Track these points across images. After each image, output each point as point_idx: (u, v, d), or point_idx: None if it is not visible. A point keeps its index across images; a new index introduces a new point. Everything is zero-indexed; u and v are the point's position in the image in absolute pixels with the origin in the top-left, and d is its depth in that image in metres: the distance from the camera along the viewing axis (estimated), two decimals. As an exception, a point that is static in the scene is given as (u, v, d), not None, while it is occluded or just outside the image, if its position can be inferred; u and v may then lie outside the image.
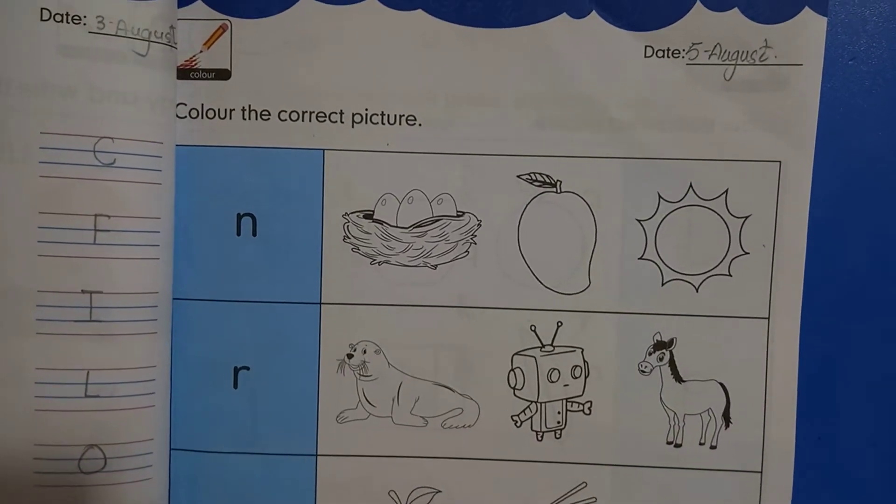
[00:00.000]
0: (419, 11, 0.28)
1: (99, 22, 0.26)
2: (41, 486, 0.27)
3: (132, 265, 0.27)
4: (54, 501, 0.27)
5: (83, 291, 0.27)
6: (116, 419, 0.27)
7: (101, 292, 0.27)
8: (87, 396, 0.27)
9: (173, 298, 0.28)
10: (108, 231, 0.27)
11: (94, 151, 0.26)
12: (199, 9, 0.28)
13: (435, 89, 0.28)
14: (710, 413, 0.29)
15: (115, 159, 0.26)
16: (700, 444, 0.29)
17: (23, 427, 0.27)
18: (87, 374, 0.27)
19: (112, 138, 0.26)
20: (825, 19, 0.27)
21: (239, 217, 0.29)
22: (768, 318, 0.28)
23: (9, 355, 0.26)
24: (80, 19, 0.26)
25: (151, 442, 0.28)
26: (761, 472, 0.29)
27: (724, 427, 0.29)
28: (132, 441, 0.27)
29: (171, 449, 0.29)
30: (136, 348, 0.27)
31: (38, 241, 0.26)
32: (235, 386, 0.29)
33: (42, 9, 0.26)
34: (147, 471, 0.28)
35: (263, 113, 0.28)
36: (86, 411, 0.27)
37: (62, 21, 0.26)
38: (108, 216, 0.26)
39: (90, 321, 0.27)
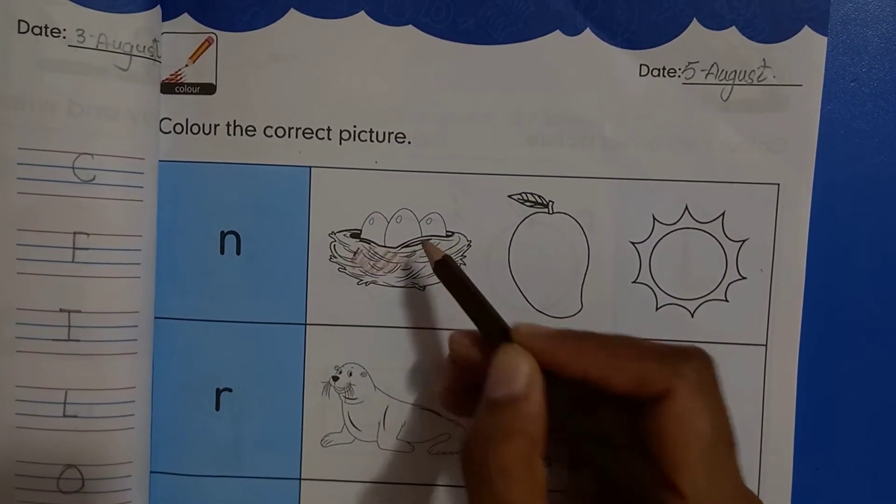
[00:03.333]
0: (410, 27, 0.27)
1: (79, 35, 0.25)
2: (23, 503, 0.26)
3: (112, 284, 0.26)
4: (32, 521, 0.26)
5: (61, 310, 0.26)
6: (94, 440, 0.26)
7: (79, 311, 0.26)
8: (65, 416, 0.26)
9: (155, 317, 0.28)
10: (88, 249, 0.26)
11: (74, 168, 0.26)
12: (185, 22, 0.27)
13: (425, 106, 0.27)
14: (705, 442, 0.28)
15: (94, 176, 0.26)
16: (694, 473, 0.28)
17: (4, 443, 0.26)
18: (66, 393, 0.26)
19: (92, 154, 0.26)
20: (825, 39, 0.26)
21: (223, 235, 0.28)
22: (766, 345, 0.28)
23: (-14, 373, 0.26)
24: (59, 32, 0.25)
25: (131, 465, 0.27)
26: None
27: (719, 456, 0.28)
28: (111, 463, 0.27)
29: (151, 472, 0.28)
30: (115, 369, 0.27)
31: (17, 259, 0.26)
32: (218, 408, 0.28)
33: (20, 21, 0.25)
34: (126, 494, 0.27)
35: (249, 129, 0.27)
36: (64, 431, 0.26)
37: (41, 34, 0.25)
38: (87, 234, 0.26)
39: (68, 340, 0.26)
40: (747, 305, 0.27)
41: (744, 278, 0.28)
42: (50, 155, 0.25)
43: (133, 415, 0.27)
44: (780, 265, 0.27)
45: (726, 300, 0.28)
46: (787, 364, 0.28)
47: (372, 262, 0.28)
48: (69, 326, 0.26)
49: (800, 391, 0.28)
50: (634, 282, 0.28)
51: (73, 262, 0.26)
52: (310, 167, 0.28)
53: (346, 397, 0.28)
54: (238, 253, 0.28)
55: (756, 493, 0.28)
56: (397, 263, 0.28)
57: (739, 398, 0.27)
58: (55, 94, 0.25)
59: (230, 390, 0.28)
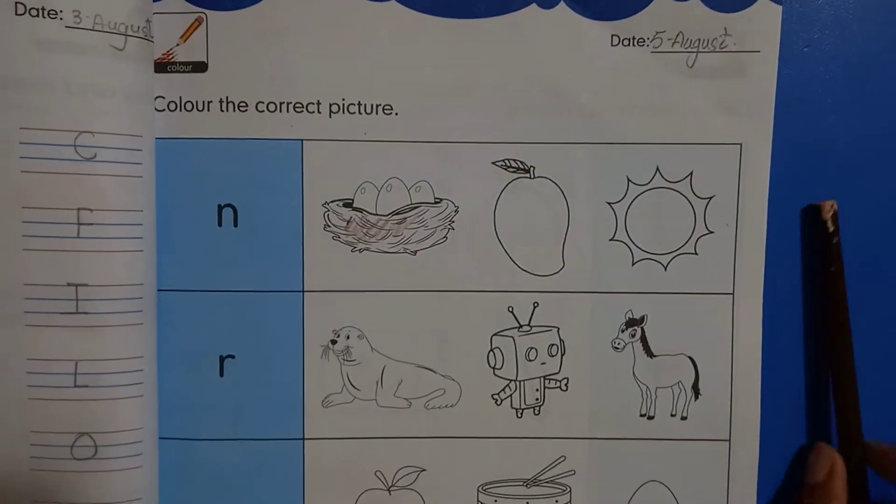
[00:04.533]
0: (393, 2, 0.29)
1: (75, 16, 0.26)
2: (37, 471, 0.27)
3: (116, 258, 0.27)
4: (50, 486, 0.27)
5: (69, 284, 0.27)
6: (105, 408, 0.28)
7: (86, 285, 0.27)
8: (76, 386, 0.27)
9: (158, 290, 0.29)
10: (92, 224, 0.27)
11: (75, 146, 0.26)
12: (175, 2, 0.28)
13: (411, 79, 0.29)
14: (681, 386, 0.30)
15: (95, 153, 0.27)
16: (672, 415, 0.30)
17: (18, 414, 0.27)
18: (76, 364, 0.27)
19: (92, 132, 0.26)
20: (780, 7, 0.28)
21: (220, 208, 0.29)
22: (733, 294, 0.30)
23: (2, 347, 0.27)
24: (56, 13, 0.26)
25: (140, 431, 0.28)
26: (729, 441, 0.30)
27: (693, 399, 0.30)
28: (121, 430, 0.28)
29: (159, 438, 0.29)
30: (122, 339, 0.28)
31: (23, 236, 0.27)
32: (221, 374, 0.30)
33: (17, 3, 0.26)
34: (137, 459, 0.28)
35: (241, 104, 0.28)
36: (75, 400, 0.27)
37: (38, 15, 0.26)
38: (91, 210, 0.27)
39: (76, 313, 0.27)
40: (715, 258, 0.30)
41: (711, 233, 0.30)
42: (51, 134, 0.26)
43: (141, 383, 0.28)
44: (744, 219, 0.29)
45: (696, 253, 0.30)
46: (753, 311, 0.30)
47: (364, 230, 0.29)
48: (77, 300, 0.27)
49: (765, 334, 0.30)
50: (612, 239, 0.30)
51: (77, 237, 0.27)
52: (301, 140, 0.29)
53: (344, 359, 0.30)
54: (235, 225, 0.29)
55: (728, 432, 0.30)
56: (389, 230, 0.29)
57: (710, 344, 0.30)
58: (54, 74, 0.26)
59: (233, 357, 0.30)
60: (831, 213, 0.29)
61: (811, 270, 0.30)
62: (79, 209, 0.27)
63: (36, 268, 0.27)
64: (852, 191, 0.30)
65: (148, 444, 0.28)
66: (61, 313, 0.27)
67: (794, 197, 0.30)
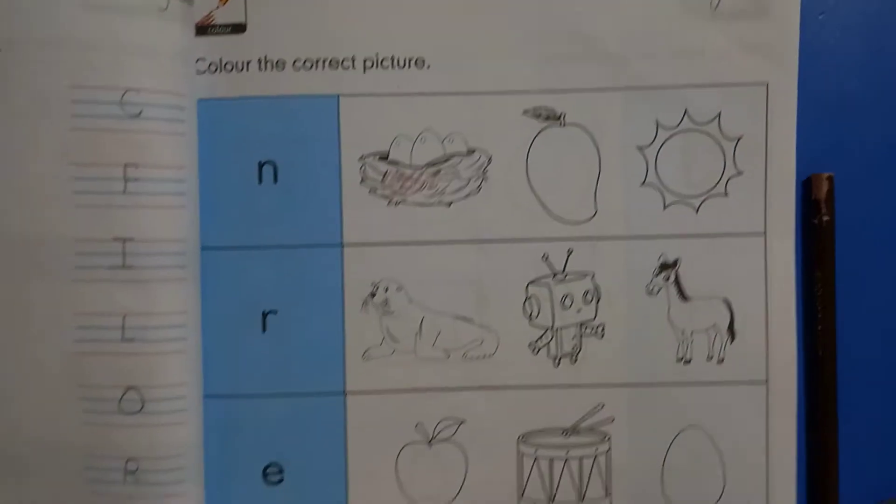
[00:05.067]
0: (422, -38, 0.30)
1: (121, -23, 0.27)
2: (88, 424, 0.28)
3: (161, 213, 0.28)
4: (99, 440, 0.28)
5: (116, 239, 0.28)
6: (151, 363, 0.28)
7: (132, 239, 0.28)
8: (123, 340, 0.28)
9: (201, 248, 0.30)
10: (137, 180, 0.28)
11: (122, 103, 0.27)
12: (213, -31, 0.29)
13: (442, 32, 0.29)
14: (716, 329, 0.31)
15: (141, 110, 0.27)
16: (708, 359, 0.30)
17: (68, 369, 0.28)
18: (123, 318, 0.28)
19: (138, 90, 0.27)
20: (800, -54, 0.29)
21: (260, 166, 0.30)
22: (765, 234, 0.30)
23: (51, 301, 0.28)
24: (103, -24, 0.27)
25: (185, 386, 0.29)
26: (767, 382, 0.30)
27: (729, 341, 0.30)
28: (167, 385, 0.28)
29: (204, 396, 0.30)
30: (167, 294, 0.28)
31: (74, 192, 0.27)
32: (264, 330, 0.30)
33: (67, -34, 0.27)
34: (182, 414, 0.29)
35: (279, 63, 0.29)
36: (123, 354, 0.28)
37: (86, -23, 0.27)
38: (137, 165, 0.28)
39: (123, 268, 0.28)
40: (745, 198, 0.30)
41: (741, 173, 0.30)
42: (99, 92, 0.27)
43: (186, 339, 0.29)
44: (773, 158, 0.30)
45: (726, 195, 0.30)
46: (785, 249, 0.30)
47: (400, 183, 0.30)
48: (124, 254, 0.28)
49: (798, 272, 0.30)
50: (643, 184, 0.30)
51: (124, 192, 0.27)
52: (338, 95, 0.30)
53: (383, 312, 0.30)
54: (275, 182, 0.30)
55: (765, 373, 0.30)
56: (424, 182, 0.30)
57: (744, 285, 0.30)
58: (100, 33, 0.27)
59: (275, 312, 0.30)
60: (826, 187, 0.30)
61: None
62: (125, 165, 0.28)
63: (85, 223, 0.27)
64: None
65: (193, 399, 0.29)
66: (109, 268, 0.28)
67: (822, 133, 0.30)
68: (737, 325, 0.30)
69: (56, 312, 0.28)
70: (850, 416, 0.31)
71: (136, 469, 0.28)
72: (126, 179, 0.27)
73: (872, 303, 0.31)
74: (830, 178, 0.30)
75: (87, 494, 0.28)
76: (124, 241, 0.28)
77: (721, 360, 0.30)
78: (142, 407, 0.28)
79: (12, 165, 0.27)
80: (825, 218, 0.30)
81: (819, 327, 0.31)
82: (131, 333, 0.28)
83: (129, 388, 0.28)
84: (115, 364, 0.28)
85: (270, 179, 0.30)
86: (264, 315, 0.30)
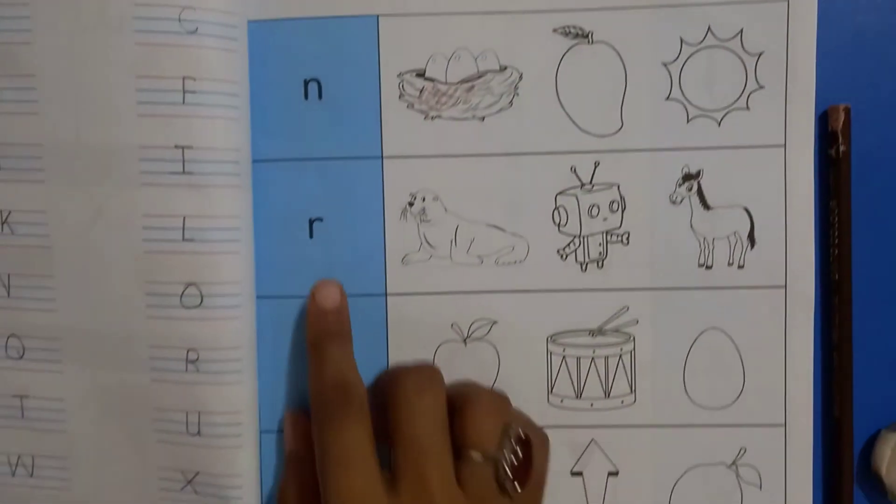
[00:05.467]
0: None
1: None
2: (152, 318, 0.31)
3: (216, 124, 0.30)
4: (163, 332, 0.30)
5: (176, 147, 0.30)
6: (209, 261, 0.31)
7: (191, 147, 0.30)
8: (184, 240, 0.30)
9: (253, 161, 0.32)
10: (195, 92, 0.30)
11: (180, 20, 0.30)
12: None
13: (475, -45, 0.31)
14: (737, 236, 0.32)
15: (197, 27, 0.30)
16: (729, 264, 0.32)
17: (135, 267, 0.30)
18: (184, 220, 0.30)
19: (194, 8, 0.30)
20: None
21: (305, 83, 0.32)
22: (784, 146, 0.32)
23: (121, 205, 0.30)
24: None
25: (240, 284, 0.31)
26: (785, 287, 0.32)
27: (749, 248, 0.32)
28: (223, 282, 0.31)
29: (257, 296, 0.32)
30: (222, 199, 0.31)
31: (137, 102, 0.30)
32: (311, 236, 0.32)
33: None
34: (237, 310, 0.31)
35: (323, -15, 0.32)
36: (183, 253, 0.30)
37: None
38: (195, 79, 0.30)
39: (183, 173, 0.30)
40: (766, 112, 0.31)
41: (762, 88, 0.31)
42: (159, 9, 0.29)
43: (239, 241, 0.31)
44: (794, 73, 0.31)
45: (748, 108, 0.31)
46: (804, 161, 0.31)
47: (436, 99, 0.32)
48: (183, 161, 0.30)
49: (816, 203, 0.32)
50: (667, 98, 0.32)
51: (183, 103, 0.30)
52: (377, 16, 0.31)
53: (421, 220, 0.32)
54: (320, 98, 0.32)
55: (783, 279, 0.32)
56: (458, 98, 0.32)
57: (764, 195, 0.32)
58: (161, -45, 0.29)
59: (321, 220, 0.32)
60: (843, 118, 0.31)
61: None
62: (184, 78, 0.30)
63: (149, 132, 0.30)
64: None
65: (246, 297, 0.31)
66: (170, 173, 0.30)
67: (842, 46, 0.31)
68: (757, 233, 0.32)
69: (124, 214, 0.30)
70: (864, 342, 0.32)
71: (197, 359, 0.31)
72: (185, 91, 0.30)
73: (887, 233, 0.32)
74: (847, 110, 0.31)
75: (151, 381, 0.31)
76: (184, 148, 0.30)
77: (741, 266, 0.32)
78: (201, 302, 0.31)
79: (82, 78, 0.30)
80: (842, 148, 0.31)
81: (835, 252, 0.32)
82: (191, 234, 0.30)
83: (189, 285, 0.30)
84: (177, 262, 0.30)
85: (315, 96, 0.32)
86: (311, 222, 0.32)
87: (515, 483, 0.28)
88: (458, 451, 0.29)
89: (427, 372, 0.30)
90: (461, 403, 0.30)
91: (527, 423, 0.31)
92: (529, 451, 0.29)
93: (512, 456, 0.28)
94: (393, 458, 0.29)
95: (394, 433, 0.29)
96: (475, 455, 0.28)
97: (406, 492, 0.28)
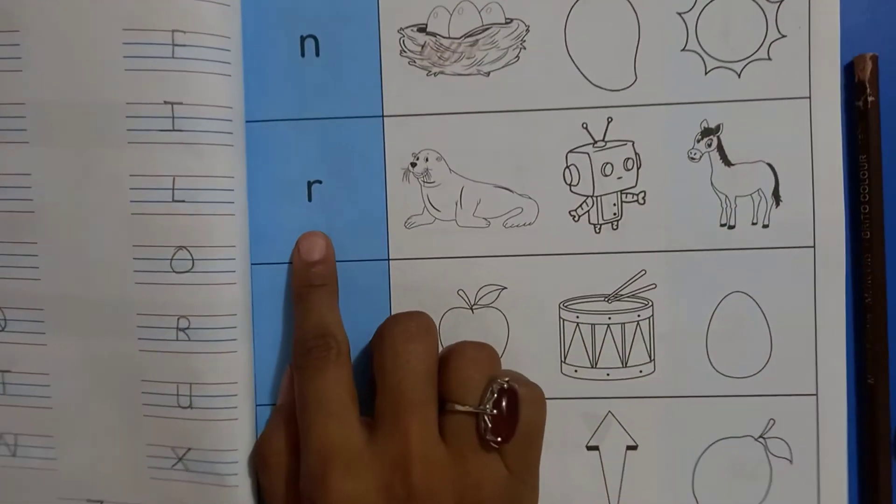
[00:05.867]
0: None
1: None
2: (141, 284, 0.29)
3: (207, 79, 0.29)
4: (152, 298, 0.29)
5: (165, 102, 0.29)
6: (201, 223, 0.29)
7: (181, 103, 0.29)
8: (174, 201, 0.29)
9: (247, 121, 0.30)
10: (185, 46, 0.29)
11: (169, -30, 0.28)
12: None
13: None
14: (760, 193, 0.30)
15: (187, -22, 0.28)
16: (752, 223, 0.30)
17: (122, 229, 0.29)
18: (173, 180, 0.29)
19: (184, -42, 0.28)
20: None
21: (302, 39, 0.31)
22: (809, 98, 0.30)
23: (108, 165, 0.29)
24: None
25: (233, 248, 0.29)
26: (814, 247, 0.30)
27: (774, 206, 0.30)
28: (216, 245, 0.29)
29: (252, 263, 0.31)
30: (215, 158, 0.29)
31: (124, 57, 0.28)
32: (310, 199, 0.31)
33: None
34: (231, 275, 0.29)
35: (320, -65, 0.30)
36: (173, 215, 0.29)
37: None
38: (185, 32, 0.28)
39: (173, 130, 0.29)
40: (789, 62, 0.30)
41: (784, 37, 0.30)
42: (148, -41, 0.28)
43: (233, 202, 0.29)
44: (817, 21, 0.29)
45: (769, 59, 0.30)
46: (831, 113, 0.30)
47: (439, 54, 0.30)
48: (173, 117, 0.29)
49: (844, 139, 0.30)
50: (683, 50, 0.30)
51: (172, 57, 0.28)
52: (377, -33, 0.30)
53: (424, 181, 0.31)
54: (317, 55, 0.30)
55: (812, 238, 0.30)
56: (462, 53, 0.30)
57: (789, 149, 0.30)
58: None
59: (320, 182, 0.31)
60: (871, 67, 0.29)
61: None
62: (173, 31, 0.28)
63: (136, 87, 0.28)
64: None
65: (240, 262, 0.30)
66: (159, 130, 0.29)
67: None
68: (782, 190, 0.30)
69: (111, 175, 0.29)
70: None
71: (188, 326, 0.29)
72: (174, 45, 0.28)
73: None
74: (874, 59, 0.30)
75: (140, 350, 0.29)
76: (173, 104, 0.28)
77: (766, 225, 0.30)
78: (192, 265, 0.29)
79: (66, 32, 0.29)
80: (870, 99, 0.30)
81: (866, 209, 0.30)
82: (181, 195, 0.29)
83: (179, 248, 0.29)
84: (167, 224, 0.29)
85: (312, 53, 0.31)
86: (309, 185, 0.31)
87: (498, 437, 0.27)
88: (443, 403, 0.28)
89: (417, 319, 0.28)
90: (445, 354, 0.29)
91: (517, 377, 0.29)
92: (516, 404, 0.27)
93: (495, 409, 0.27)
94: (375, 406, 0.28)
95: (377, 380, 0.28)
96: (456, 407, 0.27)
97: (383, 441, 0.27)
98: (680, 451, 0.31)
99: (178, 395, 0.29)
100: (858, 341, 0.30)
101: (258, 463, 0.29)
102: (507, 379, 0.27)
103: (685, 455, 0.31)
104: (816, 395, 0.30)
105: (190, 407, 0.29)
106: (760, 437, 0.30)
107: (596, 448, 0.31)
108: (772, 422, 0.30)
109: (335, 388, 0.28)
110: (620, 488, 0.31)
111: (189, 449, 0.29)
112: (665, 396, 0.30)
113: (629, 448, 0.31)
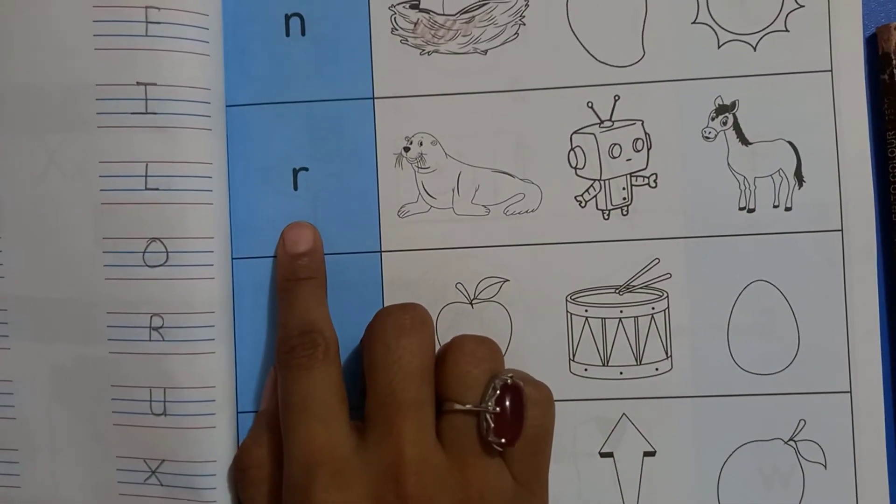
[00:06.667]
0: None
1: None
2: (111, 279, 0.27)
3: (183, 58, 0.27)
4: (123, 294, 0.26)
5: (138, 83, 0.27)
6: (176, 213, 0.27)
7: (154, 84, 0.27)
8: (147, 189, 0.27)
9: (228, 105, 0.28)
10: (160, 23, 0.27)
11: (142, -57, 0.27)
12: None
13: None
14: (782, 174, 0.28)
15: (162, -49, 0.27)
16: (774, 206, 0.28)
17: (90, 220, 0.27)
18: (146, 166, 0.27)
19: (158, -70, 0.27)
20: None
21: (287, 18, 0.29)
22: (831, 71, 0.28)
23: (76, 151, 0.27)
24: None
25: (211, 240, 0.27)
26: (842, 230, 0.28)
27: (797, 187, 0.28)
28: (192, 237, 0.27)
29: (234, 258, 0.28)
30: (191, 143, 0.27)
31: (94, 35, 0.27)
32: (295, 188, 0.29)
33: None
34: (209, 269, 0.27)
35: None
36: (147, 204, 0.27)
37: None
38: (159, 8, 0.27)
39: (146, 113, 0.27)
40: (809, 33, 0.28)
41: (802, 6, 0.28)
42: (119, -71, 0.26)
43: (211, 191, 0.27)
44: (837, -13, 0.28)
45: (787, 30, 0.28)
46: (856, 86, 0.28)
47: (433, 32, 0.29)
48: (146, 99, 0.27)
49: (869, 115, 0.28)
50: (694, 22, 0.28)
51: (146, 35, 0.27)
52: (365, -61, 0.28)
53: (418, 167, 0.29)
54: (303, 34, 0.29)
55: (839, 221, 0.27)
56: (457, 30, 0.28)
57: (811, 126, 0.28)
58: None
59: (306, 170, 0.29)
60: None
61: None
62: (147, 7, 0.26)
63: (107, 67, 0.26)
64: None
65: (220, 255, 0.27)
66: (132, 114, 0.27)
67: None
68: (804, 170, 0.28)
69: (79, 162, 0.27)
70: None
71: (162, 325, 0.27)
72: (147, 22, 0.27)
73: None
74: None
75: (110, 353, 0.27)
76: (146, 86, 0.26)
77: (789, 208, 0.28)
78: (166, 259, 0.27)
79: (30, 10, 0.27)
80: None
81: (895, 189, 0.28)
82: (154, 182, 0.27)
83: (153, 240, 0.27)
84: (139, 214, 0.26)
85: (298, 32, 0.29)
86: (295, 173, 0.29)
87: (502, 439, 0.24)
88: (440, 403, 0.25)
89: (411, 312, 0.26)
90: (442, 350, 0.26)
91: (523, 376, 0.27)
92: (521, 402, 0.25)
93: (497, 407, 0.24)
94: (366, 406, 0.25)
95: (367, 379, 0.25)
96: (455, 406, 0.25)
97: (374, 446, 0.24)
98: (702, 456, 0.28)
99: (150, 400, 0.27)
100: (893, 332, 0.28)
101: (238, 476, 0.27)
102: (510, 375, 0.25)
103: (708, 461, 0.28)
104: (850, 392, 0.28)
105: (164, 414, 0.27)
106: (790, 439, 0.28)
107: (610, 455, 0.28)
108: (802, 423, 0.28)
109: (322, 390, 0.25)
110: (638, 499, 0.28)
111: (163, 461, 0.27)
112: (684, 396, 0.28)
113: (646, 454, 0.28)
